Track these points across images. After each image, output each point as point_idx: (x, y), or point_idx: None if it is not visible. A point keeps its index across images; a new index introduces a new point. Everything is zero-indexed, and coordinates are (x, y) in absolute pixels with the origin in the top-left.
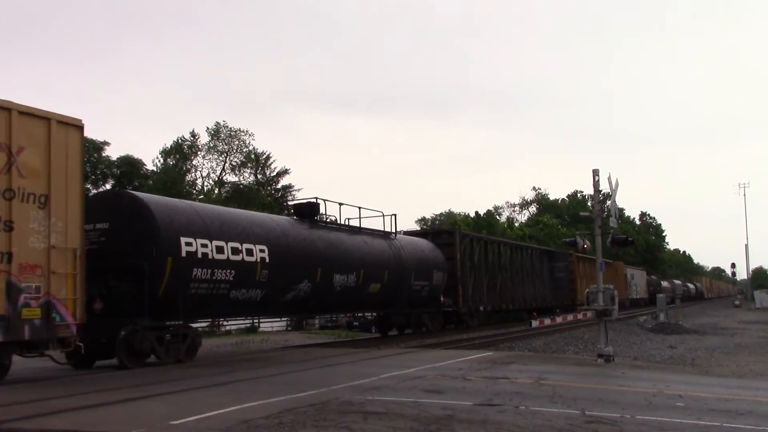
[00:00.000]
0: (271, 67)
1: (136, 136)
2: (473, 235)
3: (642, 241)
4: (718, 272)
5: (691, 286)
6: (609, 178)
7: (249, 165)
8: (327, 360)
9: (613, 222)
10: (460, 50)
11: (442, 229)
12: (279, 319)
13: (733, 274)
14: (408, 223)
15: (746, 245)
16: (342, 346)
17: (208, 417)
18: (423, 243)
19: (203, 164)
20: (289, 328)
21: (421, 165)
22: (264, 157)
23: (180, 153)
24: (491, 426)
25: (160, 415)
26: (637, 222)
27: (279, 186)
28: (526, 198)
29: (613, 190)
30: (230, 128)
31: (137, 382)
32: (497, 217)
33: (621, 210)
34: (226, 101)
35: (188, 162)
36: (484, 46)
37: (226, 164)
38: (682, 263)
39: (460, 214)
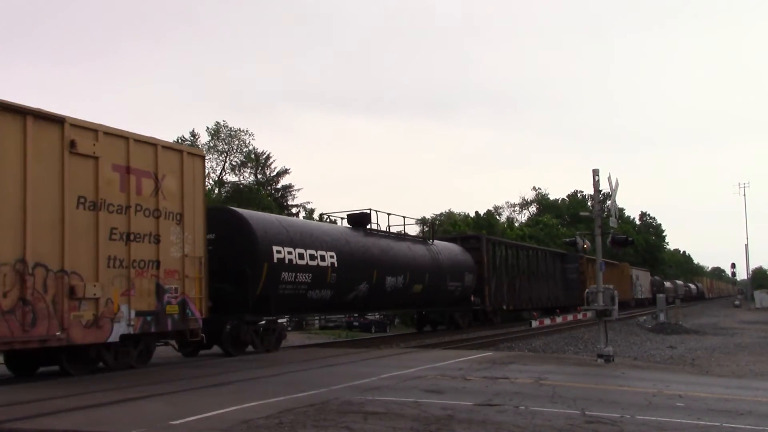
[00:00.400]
0: (271, 67)
1: None
2: (496, 240)
3: (642, 241)
4: (718, 272)
5: (692, 286)
6: (609, 178)
7: (249, 165)
8: (327, 360)
9: (613, 222)
10: (460, 50)
11: (470, 235)
12: (343, 316)
13: (733, 274)
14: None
15: (746, 245)
16: (342, 347)
17: (208, 417)
18: (455, 248)
19: None
20: (290, 329)
21: (421, 165)
22: (264, 157)
23: None
24: (491, 426)
25: (160, 415)
26: (637, 222)
27: (279, 186)
28: (526, 198)
29: (613, 190)
30: (230, 128)
31: (137, 382)
32: (497, 217)
33: (621, 210)
34: (226, 101)
35: None
36: (484, 46)
37: (226, 164)
38: (682, 263)
39: (460, 214)
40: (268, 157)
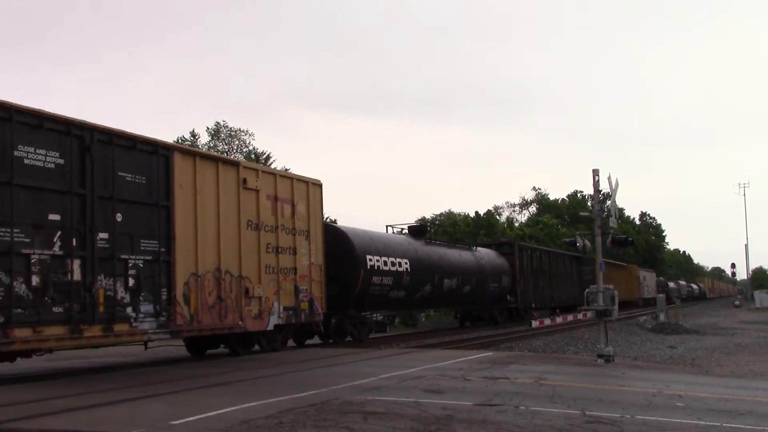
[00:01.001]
0: (271, 67)
1: None
2: (524, 246)
3: (642, 241)
4: (718, 272)
5: (695, 286)
6: (609, 178)
7: None
8: (327, 360)
9: (613, 222)
10: (460, 50)
11: (504, 241)
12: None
13: (733, 274)
14: (409, 223)
15: (746, 245)
16: (342, 347)
17: (208, 417)
18: (492, 253)
19: None
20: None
21: (420, 165)
22: (264, 157)
23: None
24: (491, 426)
25: (160, 415)
26: (637, 222)
27: None
28: (526, 198)
29: (613, 190)
30: (230, 128)
31: (137, 382)
32: (497, 217)
33: (621, 210)
34: (226, 101)
35: None
36: (484, 45)
37: None
38: (682, 263)
39: (460, 214)
40: (268, 157)
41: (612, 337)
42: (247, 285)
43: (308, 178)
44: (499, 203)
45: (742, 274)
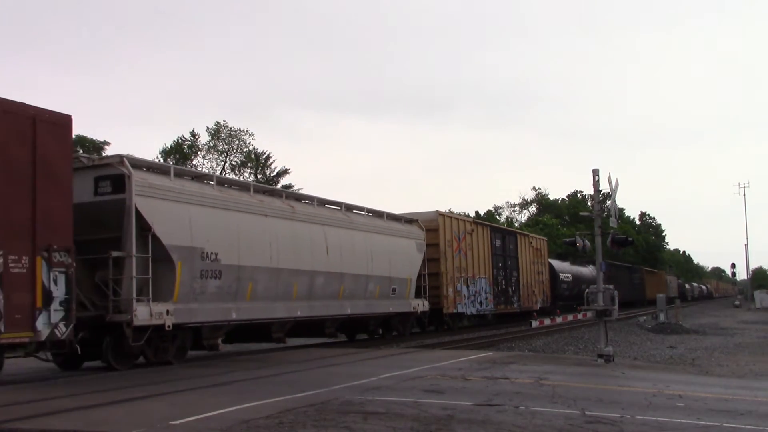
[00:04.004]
0: (271, 68)
1: (136, 136)
2: (607, 262)
3: (642, 241)
4: (718, 272)
5: (703, 287)
6: (609, 178)
7: (249, 165)
8: (327, 360)
9: (613, 222)
10: (460, 50)
11: (594, 258)
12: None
13: (733, 274)
14: None
15: (746, 245)
16: (342, 347)
17: (208, 417)
18: (592, 266)
19: (203, 164)
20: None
21: (420, 165)
22: (264, 157)
23: (180, 153)
24: (491, 426)
25: (160, 415)
26: (637, 222)
27: (279, 186)
28: (526, 198)
29: (613, 190)
30: (230, 128)
31: (137, 382)
32: (497, 217)
33: (621, 210)
34: (226, 101)
35: (188, 162)
36: (484, 45)
37: (226, 164)
38: (682, 263)
39: (460, 215)
40: (268, 157)
41: (612, 337)
42: (533, 288)
43: (541, 237)
44: (499, 203)
45: (742, 274)
